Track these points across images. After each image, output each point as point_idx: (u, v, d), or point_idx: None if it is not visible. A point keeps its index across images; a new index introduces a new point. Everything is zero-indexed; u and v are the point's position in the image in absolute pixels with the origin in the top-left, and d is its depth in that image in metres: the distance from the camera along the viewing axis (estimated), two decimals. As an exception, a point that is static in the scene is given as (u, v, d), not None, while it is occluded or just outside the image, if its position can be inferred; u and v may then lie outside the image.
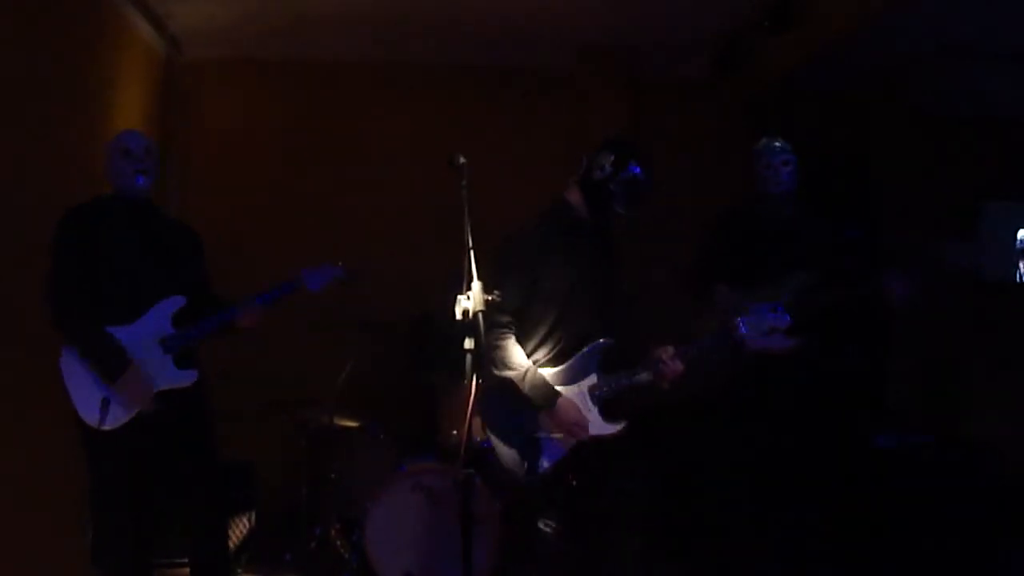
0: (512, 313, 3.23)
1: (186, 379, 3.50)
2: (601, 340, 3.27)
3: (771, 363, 3.81)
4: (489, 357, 3.17)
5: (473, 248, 2.87)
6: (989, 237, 6.45)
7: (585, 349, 3.27)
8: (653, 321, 3.70)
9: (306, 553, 4.66)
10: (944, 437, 5.03)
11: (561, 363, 3.29)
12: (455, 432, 4.53)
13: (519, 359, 3.22)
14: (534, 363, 3.26)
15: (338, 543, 4.59)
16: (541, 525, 3.24)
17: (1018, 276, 6.47)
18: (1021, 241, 6.51)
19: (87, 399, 3.34)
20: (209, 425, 3.67)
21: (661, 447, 4.74)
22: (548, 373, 3.27)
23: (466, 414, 2.81)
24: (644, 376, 3.23)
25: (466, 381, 2.80)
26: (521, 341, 3.27)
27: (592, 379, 3.24)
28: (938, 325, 6.02)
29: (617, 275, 3.45)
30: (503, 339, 3.21)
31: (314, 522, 4.72)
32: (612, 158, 3.31)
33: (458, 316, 2.81)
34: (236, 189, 5.87)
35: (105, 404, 3.31)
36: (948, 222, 6.38)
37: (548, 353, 3.29)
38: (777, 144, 4.14)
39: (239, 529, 4.88)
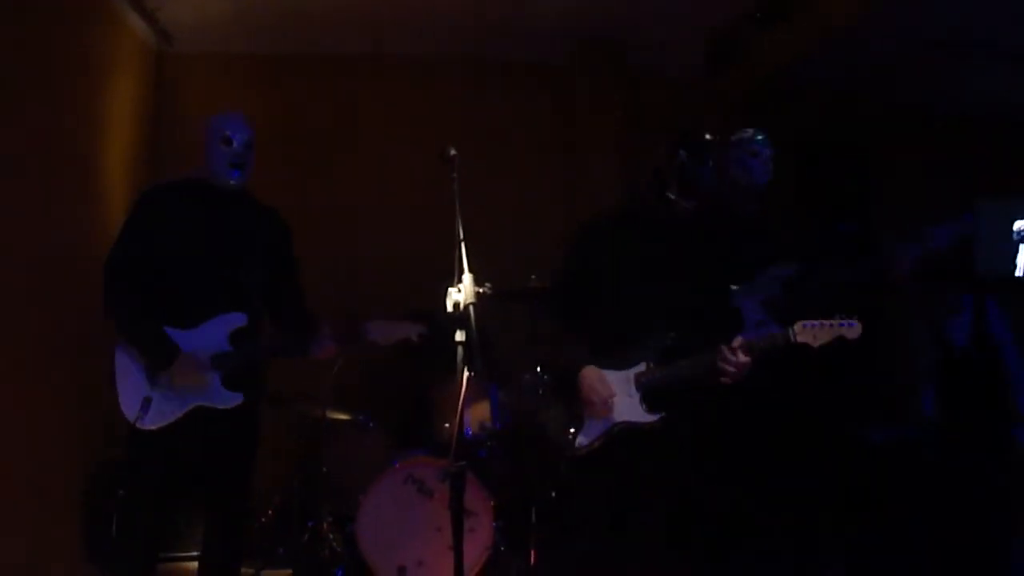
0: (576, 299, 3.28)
1: (230, 401, 3.35)
2: (664, 336, 3.25)
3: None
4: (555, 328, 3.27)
5: (464, 241, 2.87)
6: (984, 233, 6.46)
7: (644, 341, 3.26)
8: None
9: (299, 546, 4.65)
10: (939, 431, 5.02)
11: (619, 352, 3.29)
12: (447, 425, 4.53)
13: (575, 339, 3.28)
14: (598, 348, 3.28)
15: (330, 536, 4.58)
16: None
17: (1015, 267, 6.48)
18: (1018, 232, 6.52)
19: (131, 395, 3.27)
20: (254, 447, 3.55)
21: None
22: (605, 358, 3.27)
23: (458, 407, 2.81)
24: (688, 368, 3.18)
25: (458, 374, 2.80)
26: (589, 333, 3.30)
27: (642, 367, 3.24)
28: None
29: (691, 276, 3.37)
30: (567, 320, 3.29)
31: (306, 515, 4.70)
32: (663, 148, 3.32)
33: (449, 309, 2.81)
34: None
35: (147, 403, 3.24)
36: (941, 219, 6.39)
37: (609, 342, 3.29)
38: (755, 134, 4.14)
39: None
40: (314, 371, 4.75)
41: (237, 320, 3.37)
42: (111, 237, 3.44)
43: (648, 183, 3.32)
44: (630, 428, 3.22)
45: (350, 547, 4.38)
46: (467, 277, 2.82)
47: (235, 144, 3.39)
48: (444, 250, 2.96)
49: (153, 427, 3.26)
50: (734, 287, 3.75)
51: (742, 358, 3.10)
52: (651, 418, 3.21)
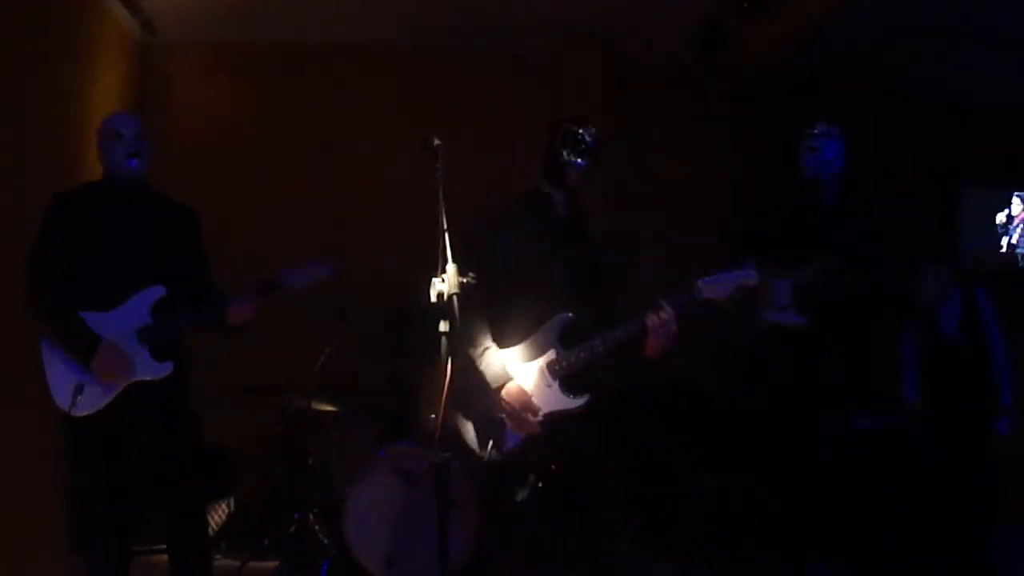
0: (484, 292, 3.21)
1: (160, 371, 3.41)
2: (564, 315, 3.22)
3: (780, 337, 3.86)
4: (462, 336, 3.15)
5: (448, 231, 2.86)
6: (968, 222, 6.50)
7: (545, 325, 3.24)
8: (638, 302, 3.66)
9: (285, 538, 4.65)
10: (921, 418, 5.05)
11: (524, 340, 3.27)
12: (432, 416, 4.52)
13: (481, 337, 3.22)
14: (506, 344, 3.25)
15: (317, 528, 4.59)
16: (517, 497, 3.21)
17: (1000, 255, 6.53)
18: (1000, 225, 6.56)
19: (61, 384, 3.32)
20: (190, 415, 3.59)
21: (635, 427, 4.77)
22: (511, 351, 3.26)
23: (442, 397, 2.81)
24: (601, 344, 3.15)
25: (442, 364, 2.79)
26: (496, 322, 3.26)
27: (551, 354, 3.22)
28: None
29: (590, 256, 3.40)
30: (473, 317, 3.19)
31: (293, 507, 4.71)
32: (551, 134, 3.32)
33: (433, 299, 2.80)
34: (212, 172, 5.81)
35: (78, 389, 3.28)
36: (926, 206, 6.42)
37: (514, 331, 3.27)
38: (815, 128, 4.09)
39: (218, 515, 4.89)
40: (300, 363, 4.75)
41: (156, 292, 3.43)
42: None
43: (544, 167, 3.36)
44: (556, 417, 3.20)
45: (336, 538, 4.39)
46: (451, 267, 2.81)
47: (126, 135, 3.49)
48: (431, 241, 2.95)
49: (88, 412, 3.31)
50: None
51: (667, 314, 3.09)
52: (576, 403, 3.19)
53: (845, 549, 4.45)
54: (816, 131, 4.07)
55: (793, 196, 4.16)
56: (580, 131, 3.28)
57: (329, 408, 4.80)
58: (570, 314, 3.22)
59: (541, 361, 3.22)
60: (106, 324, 3.36)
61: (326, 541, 4.53)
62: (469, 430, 3.26)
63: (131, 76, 5.59)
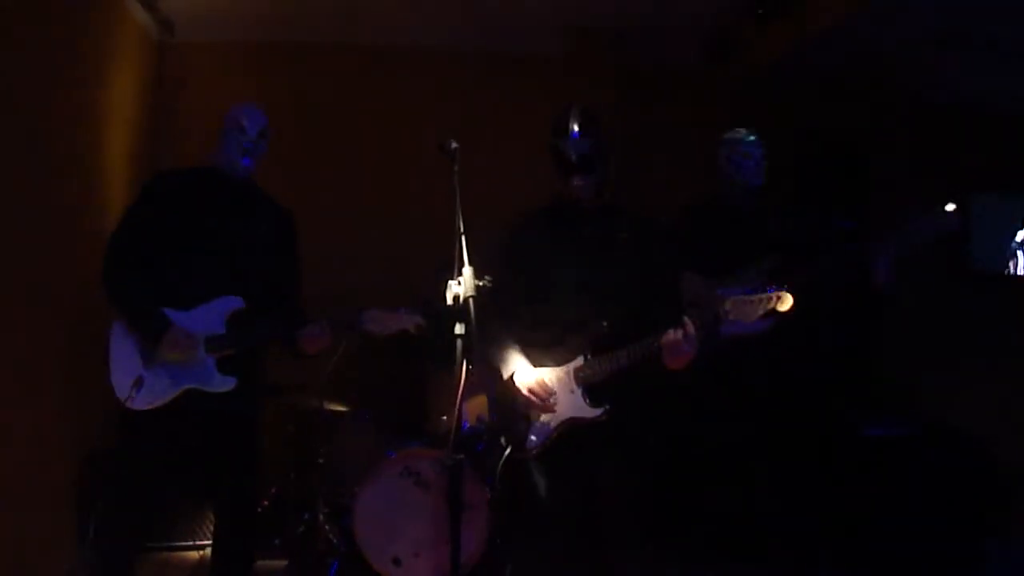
0: (511, 297, 3.23)
1: (222, 385, 3.35)
2: (597, 323, 3.23)
3: (748, 346, 3.80)
4: (491, 336, 3.17)
5: (464, 233, 2.86)
6: (980, 228, 6.47)
7: (579, 332, 3.24)
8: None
9: (294, 537, 4.66)
10: (932, 428, 5.05)
11: (555, 347, 3.28)
12: (444, 417, 4.54)
13: (504, 335, 3.24)
14: (532, 346, 3.27)
15: (326, 528, 4.59)
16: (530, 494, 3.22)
17: (1010, 270, 6.50)
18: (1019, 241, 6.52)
19: (123, 374, 3.29)
20: (252, 435, 3.55)
21: (646, 433, 4.75)
22: (541, 354, 3.27)
23: (456, 399, 2.82)
24: (626, 358, 3.15)
25: (456, 367, 2.80)
26: (521, 324, 3.29)
27: (579, 361, 3.23)
28: (927, 315, 6.05)
29: (619, 262, 3.35)
30: (501, 320, 3.22)
31: (302, 507, 4.72)
32: (552, 129, 3.31)
33: (449, 301, 2.81)
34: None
35: (138, 382, 3.26)
36: (925, 212, 6.40)
37: (545, 338, 3.28)
38: (747, 136, 4.20)
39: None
40: (311, 363, 4.75)
41: (234, 303, 3.38)
42: (110, 229, 3.45)
43: (553, 163, 3.34)
44: (576, 424, 3.21)
45: (346, 538, 4.40)
46: (467, 270, 2.82)
47: (248, 132, 3.46)
48: (444, 242, 2.96)
49: (144, 407, 3.27)
50: (716, 280, 3.76)
51: (691, 331, 3.04)
52: (596, 412, 3.20)
53: (852, 556, 4.45)
54: (752, 138, 4.18)
55: (725, 201, 4.19)
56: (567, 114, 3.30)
57: (340, 408, 4.82)
58: (604, 323, 3.22)
59: (569, 366, 3.24)
60: (180, 323, 3.31)
61: (335, 541, 4.54)
62: (501, 426, 3.29)
63: (148, 75, 5.60)
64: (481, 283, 2.82)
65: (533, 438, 3.23)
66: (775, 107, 6.11)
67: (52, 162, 4.19)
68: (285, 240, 3.64)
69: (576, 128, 3.25)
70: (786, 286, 3.00)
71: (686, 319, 3.06)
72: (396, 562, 4.20)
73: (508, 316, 3.26)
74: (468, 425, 4.50)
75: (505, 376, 3.23)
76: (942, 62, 5.81)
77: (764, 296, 2.98)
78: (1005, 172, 6.45)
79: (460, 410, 2.86)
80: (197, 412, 3.33)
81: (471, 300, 2.78)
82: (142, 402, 3.27)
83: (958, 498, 4.66)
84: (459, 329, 2.78)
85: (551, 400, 3.19)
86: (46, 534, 4.06)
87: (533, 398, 3.18)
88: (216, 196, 3.47)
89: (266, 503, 4.85)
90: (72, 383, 4.22)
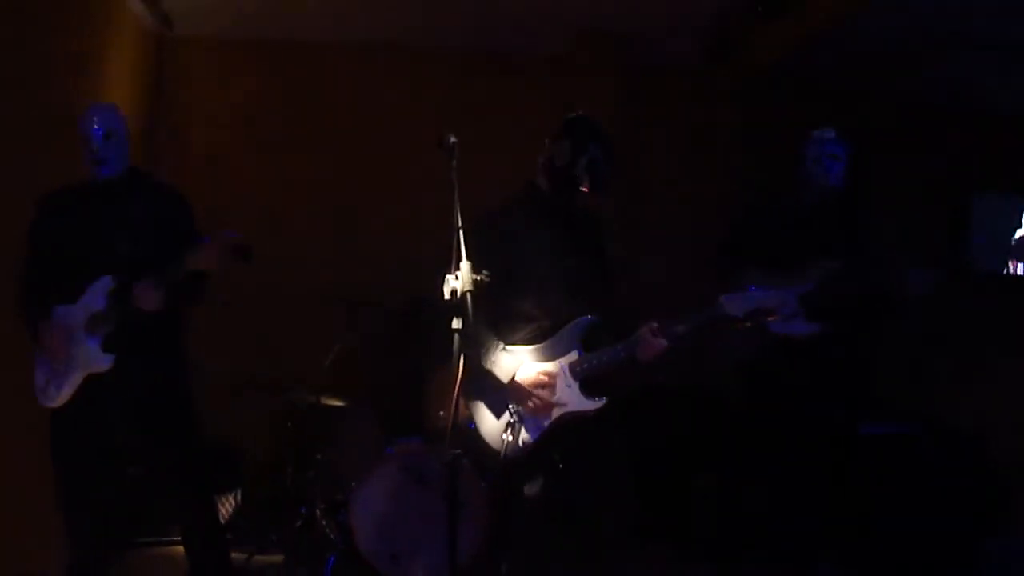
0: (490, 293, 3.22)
1: (103, 363, 3.40)
2: (586, 317, 3.25)
3: (785, 348, 3.83)
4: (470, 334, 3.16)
5: (462, 229, 2.86)
6: (980, 228, 6.47)
7: (568, 326, 3.25)
8: (647, 303, 3.66)
9: (292, 533, 4.66)
10: (931, 427, 5.05)
11: (542, 341, 3.28)
12: (442, 413, 4.52)
13: (485, 336, 3.23)
14: (515, 343, 3.27)
15: (324, 523, 4.59)
16: (526, 490, 3.22)
17: (1008, 270, 6.50)
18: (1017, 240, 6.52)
19: (40, 375, 3.47)
20: (179, 407, 3.58)
21: (644, 428, 4.76)
22: (528, 350, 3.27)
23: (453, 395, 2.81)
24: (624, 351, 3.19)
25: (453, 362, 2.79)
26: (501, 321, 3.27)
27: (573, 355, 3.23)
28: (927, 315, 6.04)
29: (597, 253, 3.41)
30: (477, 316, 3.20)
31: (300, 502, 4.71)
32: (570, 144, 3.29)
33: (446, 296, 2.80)
34: (226, 167, 5.83)
35: (48, 381, 3.42)
36: (938, 214, 6.40)
37: (528, 333, 3.29)
38: (836, 137, 4.07)
39: (225, 509, 4.89)
40: (309, 358, 4.77)
41: (106, 283, 3.42)
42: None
43: (553, 173, 3.34)
44: (575, 416, 3.22)
45: (343, 534, 4.39)
46: (464, 265, 2.81)
47: (93, 142, 3.46)
48: (442, 238, 2.95)
49: (54, 404, 3.41)
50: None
51: (660, 342, 3.13)
52: (595, 404, 3.22)
53: (850, 553, 4.44)
54: (835, 137, 4.05)
55: (797, 201, 4.12)
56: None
57: (337, 404, 4.81)
58: (594, 317, 3.23)
59: (563, 361, 3.23)
60: (68, 315, 3.43)
61: (332, 536, 4.54)
62: (485, 423, 3.25)
63: (146, 69, 5.59)
64: (479, 278, 2.81)
65: (528, 436, 3.22)
66: (775, 107, 6.11)
67: (47, 154, 4.17)
68: (177, 219, 3.61)
69: (600, 149, 3.28)
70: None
71: (655, 325, 3.14)
72: (394, 558, 4.19)
73: (487, 313, 3.23)
74: (474, 425, 4.47)
75: (504, 379, 3.21)
76: (942, 62, 5.81)
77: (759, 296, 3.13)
78: (1005, 172, 6.45)
79: (457, 405, 2.85)
80: (103, 397, 3.41)
81: (468, 295, 2.77)
82: (50, 400, 3.42)
83: (957, 497, 4.66)
84: (456, 323, 2.78)
85: (547, 395, 3.19)
86: (46, 534, 4.05)
87: (541, 399, 3.18)
88: (91, 200, 3.53)
89: (263, 498, 4.85)
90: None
